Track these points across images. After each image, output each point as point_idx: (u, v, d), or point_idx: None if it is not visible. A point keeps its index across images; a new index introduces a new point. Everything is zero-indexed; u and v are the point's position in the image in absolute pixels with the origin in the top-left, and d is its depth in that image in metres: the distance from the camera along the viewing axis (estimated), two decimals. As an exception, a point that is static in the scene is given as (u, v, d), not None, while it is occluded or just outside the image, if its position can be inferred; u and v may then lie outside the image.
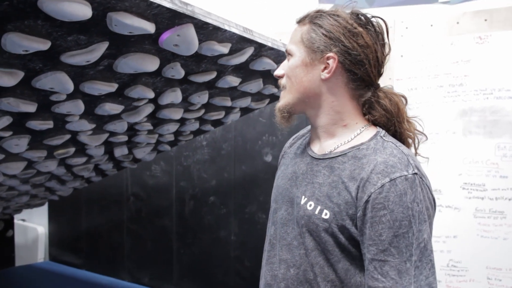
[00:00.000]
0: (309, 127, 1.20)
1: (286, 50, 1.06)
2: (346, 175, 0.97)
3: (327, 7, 1.12)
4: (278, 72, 1.07)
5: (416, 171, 0.93)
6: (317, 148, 1.08)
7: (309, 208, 1.00)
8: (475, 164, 2.21)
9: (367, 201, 0.91)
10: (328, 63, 0.99)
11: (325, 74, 1.00)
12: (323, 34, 0.99)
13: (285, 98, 1.06)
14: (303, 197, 1.02)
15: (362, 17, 1.02)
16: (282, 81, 1.07)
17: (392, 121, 1.04)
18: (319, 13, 1.03)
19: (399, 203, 0.89)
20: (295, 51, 1.03)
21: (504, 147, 2.14)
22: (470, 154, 2.22)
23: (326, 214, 0.97)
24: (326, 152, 1.04)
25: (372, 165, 0.93)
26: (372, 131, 1.02)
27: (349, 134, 1.03)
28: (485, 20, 2.19)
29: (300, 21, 1.05)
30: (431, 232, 0.94)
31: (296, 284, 1.02)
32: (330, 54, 0.98)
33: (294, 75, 1.03)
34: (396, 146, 0.97)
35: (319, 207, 0.98)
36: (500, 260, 2.14)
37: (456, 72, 2.25)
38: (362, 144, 0.99)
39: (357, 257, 0.98)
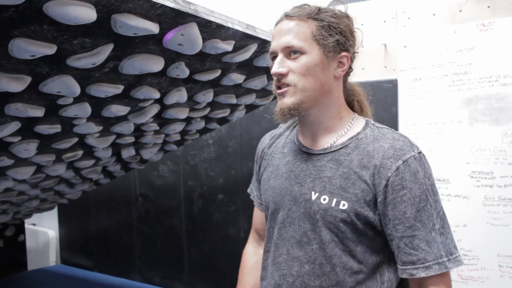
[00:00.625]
0: (284, 125, 1.24)
1: (293, 47, 1.01)
2: (356, 165, 1.01)
3: (327, 1, 1.12)
4: (281, 70, 1.02)
5: (419, 150, 1.02)
6: (312, 144, 1.10)
7: (324, 202, 1.02)
8: (483, 152, 2.20)
9: (386, 185, 0.97)
10: (341, 62, 1.05)
11: (339, 72, 1.06)
12: (335, 33, 1.03)
13: (298, 96, 1.02)
14: (313, 192, 1.04)
15: (351, 18, 1.10)
16: (289, 79, 1.02)
17: (364, 103, 1.17)
18: (320, 10, 1.04)
19: (415, 181, 0.97)
20: (308, 48, 1.01)
21: (511, 134, 2.13)
22: (477, 142, 2.21)
23: (344, 205, 1.00)
24: (326, 147, 1.07)
25: (382, 152, 1.00)
26: (361, 120, 1.10)
27: (344, 126, 1.08)
28: (488, 7, 2.18)
29: (298, 17, 1.03)
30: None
31: (313, 279, 1.04)
32: (345, 53, 1.05)
33: (312, 73, 1.02)
34: (392, 131, 1.06)
35: (335, 200, 1.01)
36: (511, 247, 2.14)
37: (460, 60, 2.24)
38: (358, 134, 1.06)
39: (372, 238, 1.03)
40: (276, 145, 1.21)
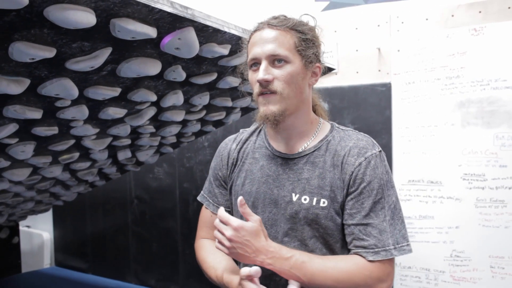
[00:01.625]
0: (247, 130, 1.28)
1: (278, 55, 1.06)
2: (329, 165, 1.10)
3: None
4: (268, 76, 1.05)
5: (380, 148, 1.13)
6: (286, 149, 1.16)
7: (305, 202, 1.10)
8: (475, 155, 2.24)
9: (349, 180, 1.08)
10: (315, 71, 1.14)
11: (313, 81, 1.15)
12: (313, 45, 1.11)
13: (283, 104, 1.07)
14: (294, 194, 1.11)
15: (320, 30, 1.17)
16: (275, 87, 1.06)
17: (322, 107, 1.26)
18: (299, 22, 1.11)
19: (374, 175, 1.07)
20: (292, 58, 1.07)
21: (503, 136, 2.16)
22: (469, 145, 2.25)
23: (324, 203, 1.08)
24: (300, 150, 1.15)
25: (347, 149, 1.10)
26: (326, 124, 1.20)
27: (313, 130, 1.17)
28: (479, 12, 2.22)
29: (281, 27, 1.07)
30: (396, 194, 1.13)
31: None
32: (318, 64, 1.13)
33: (294, 82, 1.08)
34: (356, 132, 1.17)
35: (315, 199, 1.09)
36: (502, 249, 2.17)
37: (453, 64, 2.28)
38: (326, 136, 1.15)
39: None
40: (244, 150, 1.24)
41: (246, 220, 1.04)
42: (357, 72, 2.52)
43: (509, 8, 2.14)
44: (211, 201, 1.29)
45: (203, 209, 1.32)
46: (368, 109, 2.51)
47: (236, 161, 1.24)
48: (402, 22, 2.43)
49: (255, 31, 1.12)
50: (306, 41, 1.09)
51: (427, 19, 2.36)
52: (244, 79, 1.24)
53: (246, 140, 1.25)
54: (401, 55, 2.41)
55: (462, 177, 2.26)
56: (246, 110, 2.35)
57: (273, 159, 1.17)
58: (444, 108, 2.30)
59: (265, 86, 1.06)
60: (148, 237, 3.49)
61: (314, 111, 1.22)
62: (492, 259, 2.20)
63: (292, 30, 1.08)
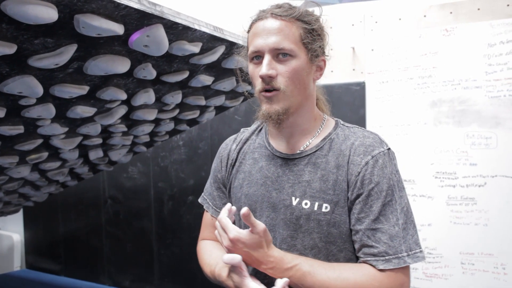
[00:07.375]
0: (248, 129, 1.21)
1: (283, 49, 0.98)
2: (332, 166, 1.01)
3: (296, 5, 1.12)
4: (272, 72, 0.98)
5: (389, 146, 1.04)
6: (286, 148, 1.08)
7: (306, 207, 1.01)
8: (446, 153, 2.27)
9: (355, 181, 0.99)
10: (319, 65, 1.06)
11: (318, 76, 1.06)
12: (319, 38, 1.03)
13: (286, 102, 1.00)
14: (293, 198, 1.03)
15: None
16: (279, 83, 0.98)
17: (324, 102, 1.18)
18: (305, 11, 1.02)
19: (382, 175, 0.98)
20: (297, 52, 0.99)
21: (473, 135, 2.20)
22: (441, 143, 2.28)
23: (326, 208, 1.00)
24: (301, 150, 1.06)
25: (353, 149, 1.01)
26: (331, 121, 1.11)
27: (317, 127, 1.08)
28: (451, 12, 2.25)
29: (286, 17, 0.99)
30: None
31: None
32: (323, 57, 1.05)
33: (298, 77, 1.00)
34: (362, 129, 1.07)
35: (316, 203, 1.00)
36: (472, 245, 2.22)
37: (425, 64, 2.31)
38: (330, 134, 1.06)
39: None
40: (244, 151, 1.16)
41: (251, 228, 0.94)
42: (332, 71, 2.53)
43: (478, 9, 2.18)
44: (210, 203, 1.22)
45: (205, 211, 1.26)
46: (342, 108, 2.52)
47: (235, 162, 1.16)
48: (376, 22, 2.45)
49: (256, 20, 1.02)
50: (312, 33, 1.01)
51: (400, 19, 2.38)
52: (243, 79, 1.15)
53: (247, 139, 1.18)
54: (375, 55, 2.43)
55: (434, 175, 2.30)
56: (220, 109, 2.32)
57: (272, 159, 1.08)
58: (416, 107, 2.33)
59: (268, 82, 0.98)
60: (122, 238, 3.43)
61: (317, 106, 1.13)
62: (462, 255, 2.24)
63: (297, 21, 0.99)
